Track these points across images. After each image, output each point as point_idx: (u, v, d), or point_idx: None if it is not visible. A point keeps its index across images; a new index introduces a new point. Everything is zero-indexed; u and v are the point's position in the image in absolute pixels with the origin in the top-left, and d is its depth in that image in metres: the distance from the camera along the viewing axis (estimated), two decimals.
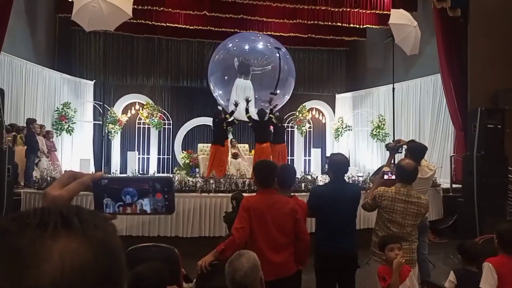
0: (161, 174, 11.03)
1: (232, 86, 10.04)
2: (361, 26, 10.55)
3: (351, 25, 10.37)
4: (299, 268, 3.02)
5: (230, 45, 10.62)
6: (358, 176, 7.46)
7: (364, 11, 9.81)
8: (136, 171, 10.18)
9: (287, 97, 10.87)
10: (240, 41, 10.52)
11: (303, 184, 6.78)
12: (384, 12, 9.37)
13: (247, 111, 8.57)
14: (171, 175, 8.38)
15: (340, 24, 10.27)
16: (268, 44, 10.48)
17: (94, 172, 7.99)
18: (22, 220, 0.48)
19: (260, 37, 10.74)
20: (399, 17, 7.73)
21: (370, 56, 12.68)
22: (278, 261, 2.81)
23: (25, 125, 8.12)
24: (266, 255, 2.77)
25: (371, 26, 10.48)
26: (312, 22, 10.32)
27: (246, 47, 10.28)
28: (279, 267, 2.82)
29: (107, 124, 10.96)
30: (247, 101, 8.69)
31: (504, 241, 2.76)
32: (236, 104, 8.72)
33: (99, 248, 0.48)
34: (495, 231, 2.86)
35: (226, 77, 10.31)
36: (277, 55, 10.22)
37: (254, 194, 3.12)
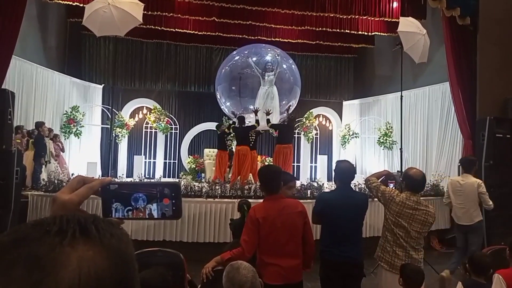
0: (167, 179, 11.07)
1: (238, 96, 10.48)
2: (370, 34, 10.55)
3: (360, 32, 10.37)
4: (305, 270, 3.04)
5: (237, 57, 10.87)
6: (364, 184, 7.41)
7: (372, 18, 9.80)
8: (142, 175, 10.22)
9: (294, 105, 10.94)
10: (248, 53, 10.69)
11: (309, 191, 6.75)
12: (393, 20, 9.35)
13: (257, 122, 8.79)
14: (177, 180, 8.44)
15: (348, 31, 10.28)
16: (276, 55, 10.62)
17: (101, 175, 8.07)
18: (42, 227, 0.49)
19: (269, 49, 10.90)
20: (408, 25, 7.71)
21: (378, 64, 12.66)
22: (286, 266, 2.83)
23: (34, 128, 8.21)
24: (275, 260, 2.78)
25: (379, 33, 10.47)
26: (320, 29, 10.34)
27: (254, 58, 10.43)
28: (288, 272, 2.83)
29: (114, 128, 11.04)
30: (256, 112, 8.90)
31: None
32: (255, 112, 8.91)
33: (115, 256, 0.49)
34: (507, 242, 2.82)
35: (233, 87, 10.49)
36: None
37: (261, 201, 3.11)
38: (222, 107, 11.00)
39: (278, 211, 2.86)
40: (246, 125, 8.98)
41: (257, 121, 8.71)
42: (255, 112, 8.85)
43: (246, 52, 10.70)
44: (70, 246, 0.47)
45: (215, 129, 10.27)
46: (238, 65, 10.74)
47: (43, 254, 0.46)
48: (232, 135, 9.69)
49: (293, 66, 11.12)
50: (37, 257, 0.46)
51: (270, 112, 8.89)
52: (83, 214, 0.54)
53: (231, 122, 9.24)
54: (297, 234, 2.91)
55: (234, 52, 11.16)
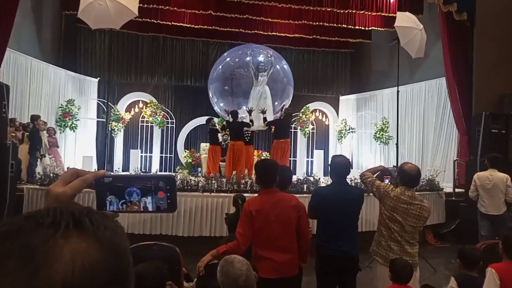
0: (163, 173, 11.06)
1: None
2: (367, 28, 10.54)
3: (357, 27, 10.36)
4: (301, 265, 3.04)
5: (228, 59, 11.06)
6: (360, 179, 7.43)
7: (369, 13, 9.78)
8: (139, 169, 10.21)
9: (287, 104, 11.03)
10: (242, 53, 10.78)
11: (305, 186, 6.77)
12: (390, 15, 9.35)
13: (252, 122, 8.84)
14: (173, 174, 8.45)
15: (345, 26, 10.26)
16: (268, 56, 10.72)
17: (97, 169, 8.05)
18: (35, 219, 0.49)
19: (261, 49, 11.06)
20: (405, 19, 7.70)
21: (374, 59, 12.65)
22: (280, 260, 2.83)
23: (29, 121, 8.16)
24: (269, 254, 2.79)
25: (376, 28, 10.46)
26: (317, 23, 10.31)
27: (248, 58, 10.49)
28: (282, 266, 2.84)
29: (110, 122, 10.98)
30: (250, 112, 8.91)
31: (509, 247, 2.75)
32: (249, 112, 8.92)
33: (109, 249, 0.49)
34: (500, 237, 2.85)
35: (226, 87, 10.68)
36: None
37: (256, 195, 3.12)
38: (214, 108, 11.13)
39: (272, 204, 2.87)
40: (239, 120, 8.98)
41: (251, 121, 8.70)
42: (249, 112, 8.83)
43: (240, 52, 10.78)
44: (64, 238, 0.47)
45: (204, 123, 10.27)
46: (231, 65, 10.87)
47: (36, 246, 0.45)
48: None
49: (285, 66, 11.34)
50: (30, 249, 0.45)
51: (265, 110, 8.90)
52: (76, 207, 0.53)
53: (224, 123, 9.18)
54: (291, 228, 2.91)
55: (225, 54, 11.35)
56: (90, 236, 0.48)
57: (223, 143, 9.46)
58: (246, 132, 8.63)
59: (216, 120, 10.08)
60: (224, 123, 9.24)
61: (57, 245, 0.46)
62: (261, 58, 10.71)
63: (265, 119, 8.74)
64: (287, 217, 2.88)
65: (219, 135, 9.40)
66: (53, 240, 0.46)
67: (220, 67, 11.08)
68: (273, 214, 2.84)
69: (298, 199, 3.14)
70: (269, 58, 10.59)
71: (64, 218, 0.49)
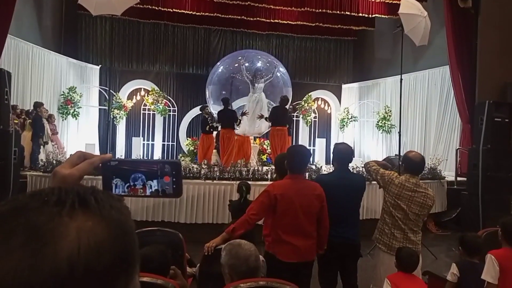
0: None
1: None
2: (370, 16, 10.41)
3: (360, 14, 10.24)
4: (319, 252, 3.11)
5: (222, 66, 10.98)
6: (362, 167, 7.43)
7: (373, 0, 9.67)
8: (141, 157, 10.22)
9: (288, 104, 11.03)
10: (238, 59, 10.73)
11: (307, 174, 6.78)
12: (394, 2, 9.23)
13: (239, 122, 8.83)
14: (179, 159, 8.46)
15: (348, 13, 10.14)
16: (267, 62, 10.68)
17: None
18: (40, 197, 0.48)
19: (258, 56, 10.98)
20: (409, 6, 7.59)
21: (378, 46, 12.55)
22: (300, 245, 2.89)
23: (32, 109, 8.16)
24: (290, 238, 2.86)
25: (380, 15, 10.34)
26: (320, 10, 10.20)
27: (246, 64, 10.43)
28: (301, 251, 2.91)
29: (112, 110, 10.97)
30: (243, 114, 8.89)
31: (508, 234, 2.76)
32: (243, 114, 8.89)
33: (115, 228, 0.49)
34: (499, 223, 2.86)
35: (223, 92, 10.62)
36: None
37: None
38: (211, 110, 11.08)
39: (296, 190, 2.92)
40: (230, 108, 8.93)
41: (239, 121, 8.70)
42: (243, 114, 8.82)
43: (240, 58, 10.69)
44: (69, 216, 0.46)
45: (199, 111, 10.16)
46: (229, 70, 10.75)
47: (42, 224, 0.45)
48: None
49: (281, 69, 11.22)
50: (36, 227, 0.45)
51: (262, 114, 8.91)
52: (82, 186, 0.53)
53: (215, 124, 9.11)
54: (313, 216, 2.96)
55: (218, 63, 11.24)
56: (96, 215, 0.48)
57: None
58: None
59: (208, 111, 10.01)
60: (215, 124, 9.07)
61: (62, 223, 0.45)
62: (259, 64, 10.60)
63: (266, 118, 8.75)
64: (310, 204, 2.94)
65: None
66: (58, 218, 0.46)
67: (219, 70, 10.98)
68: (296, 199, 2.90)
69: (322, 188, 3.07)
70: (268, 65, 10.45)
71: (70, 197, 0.48)
